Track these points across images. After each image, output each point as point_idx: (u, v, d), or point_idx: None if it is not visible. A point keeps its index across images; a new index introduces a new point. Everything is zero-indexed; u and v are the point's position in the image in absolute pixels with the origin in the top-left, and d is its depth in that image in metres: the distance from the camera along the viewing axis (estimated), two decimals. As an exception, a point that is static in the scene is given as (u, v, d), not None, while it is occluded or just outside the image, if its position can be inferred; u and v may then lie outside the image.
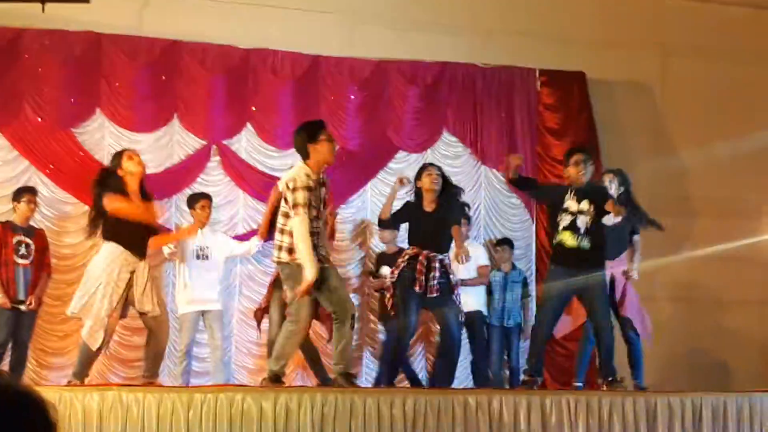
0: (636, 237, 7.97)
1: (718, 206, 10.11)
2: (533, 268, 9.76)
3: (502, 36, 10.04)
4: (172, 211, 9.01)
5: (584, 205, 6.95)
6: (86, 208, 8.78)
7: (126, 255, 6.66)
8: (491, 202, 9.83)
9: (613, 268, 7.66)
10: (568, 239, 6.94)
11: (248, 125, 9.30)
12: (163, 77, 9.08)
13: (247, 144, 9.32)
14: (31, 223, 8.18)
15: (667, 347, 9.21)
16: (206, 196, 8.44)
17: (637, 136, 10.26)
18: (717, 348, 10.03)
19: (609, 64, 10.27)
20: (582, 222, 6.92)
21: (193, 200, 8.39)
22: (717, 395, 6.45)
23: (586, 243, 6.91)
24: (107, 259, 6.66)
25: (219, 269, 8.36)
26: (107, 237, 6.73)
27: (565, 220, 6.97)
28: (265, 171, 9.19)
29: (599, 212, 7.01)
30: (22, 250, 7.91)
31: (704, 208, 10.19)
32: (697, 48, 10.41)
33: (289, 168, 6.64)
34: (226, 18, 9.30)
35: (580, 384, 8.02)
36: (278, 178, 8.53)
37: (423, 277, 7.17)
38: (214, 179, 9.14)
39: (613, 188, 7.71)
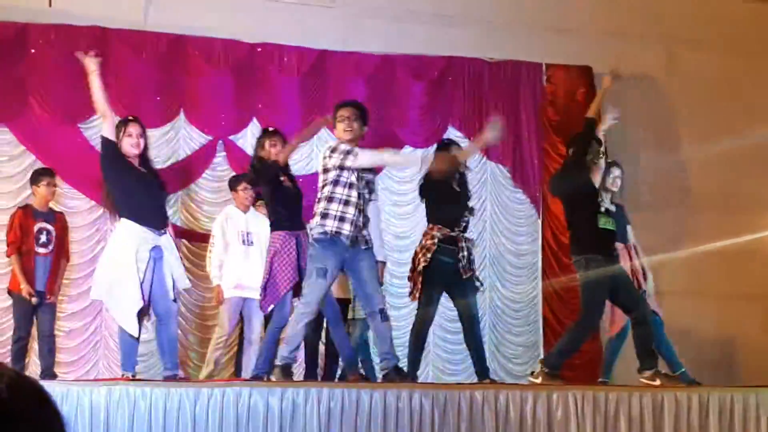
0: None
1: (722, 200, 10.09)
2: (539, 264, 9.76)
3: (508, 29, 10.02)
4: (179, 206, 9.01)
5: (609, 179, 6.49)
6: (93, 203, 8.83)
7: (143, 231, 6.09)
8: (497, 197, 9.81)
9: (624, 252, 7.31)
10: (603, 220, 6.36)
11: (254, 120, 9.30)
12: (169, 72, 9.09)
13: (252, 139, 9.29)
14: (51, 205, 7.85)
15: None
16: (248, 177, 7.96)
17: (642, 129, 10.23)
18: (722, 343, 10.02)
19: (615, 56, 10.24)
20: (607, 199, 6.39)
21: (235, 182, 8.03)
22: (723, 390, 6.43)
23: (611, 225, 6.37)
24: (124, 237, 6.10)
25: (262, 255, 7.61)
26: (122, 214, 6.19)
27: (606, 200, 6.39)
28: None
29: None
30: (43, 238, 7.52)
31: (707, 201, 10.17)
32: (702, 41, 10.38)
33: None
34: (232, 13, 9.30)
35: (607, 381, 7.52)
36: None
37: (461, 263, 6.58)
38: (219, 175, 9.14)
39: (616, 175, 7.22)
